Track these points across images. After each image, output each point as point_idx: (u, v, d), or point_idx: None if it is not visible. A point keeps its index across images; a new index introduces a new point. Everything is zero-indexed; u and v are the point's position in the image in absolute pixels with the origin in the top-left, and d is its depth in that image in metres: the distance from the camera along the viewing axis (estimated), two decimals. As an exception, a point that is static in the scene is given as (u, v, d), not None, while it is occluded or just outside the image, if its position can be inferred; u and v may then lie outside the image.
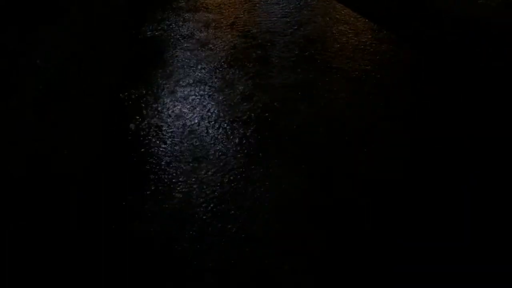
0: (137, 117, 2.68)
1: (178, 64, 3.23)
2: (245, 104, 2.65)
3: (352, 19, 3.69)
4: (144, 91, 2.92)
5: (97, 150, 2.43)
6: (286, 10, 3.93)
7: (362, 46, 3.27)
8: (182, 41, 3.52)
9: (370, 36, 3.42)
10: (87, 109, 2.70)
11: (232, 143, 2.34)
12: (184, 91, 2.92)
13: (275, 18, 3.85)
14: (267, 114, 2.51)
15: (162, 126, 2.59)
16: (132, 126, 2.47)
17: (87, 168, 2.30)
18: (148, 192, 2.13)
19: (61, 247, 1.84)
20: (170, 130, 2.54)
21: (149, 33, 3.64)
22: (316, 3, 4.04)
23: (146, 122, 2.63)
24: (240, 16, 3.86)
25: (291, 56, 3.17)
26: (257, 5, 4.10)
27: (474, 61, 2.93)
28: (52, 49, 2.35)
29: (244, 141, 2.34)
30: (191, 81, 3.02)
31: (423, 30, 3.41)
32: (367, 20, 3.60)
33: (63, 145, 2.18)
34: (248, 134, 2.41)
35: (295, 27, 3.62)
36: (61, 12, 2.52)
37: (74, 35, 2.74)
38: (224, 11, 3.93)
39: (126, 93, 2.89)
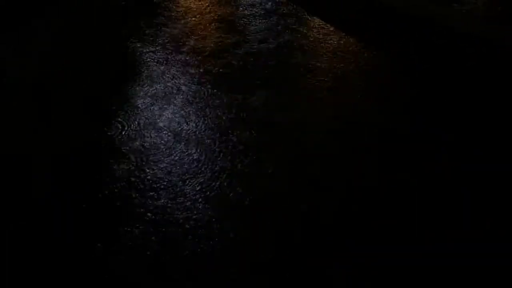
0: (120, 121, 2.61)
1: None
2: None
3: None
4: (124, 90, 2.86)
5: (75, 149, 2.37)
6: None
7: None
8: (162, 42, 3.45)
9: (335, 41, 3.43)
10: (69, 111, 2.64)
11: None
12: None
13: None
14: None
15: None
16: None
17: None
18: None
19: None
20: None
21: (133, 36, 3.56)
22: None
23: (128, 127, 2.56)
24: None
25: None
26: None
27: (435, 59, 3.00)
28: (38, 49, 2.29)
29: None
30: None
31: (384, 31, 3.45)
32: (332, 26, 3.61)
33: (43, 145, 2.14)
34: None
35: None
36: (48, 10, 2.46)
37: (58, 37, 2.68)
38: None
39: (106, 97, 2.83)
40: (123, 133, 2.49)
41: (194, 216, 1.98)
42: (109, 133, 2.49)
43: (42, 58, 2.97)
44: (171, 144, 2.41)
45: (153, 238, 1.87)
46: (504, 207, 2.01)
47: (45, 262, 1.78)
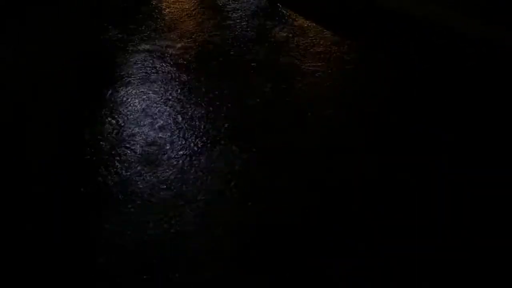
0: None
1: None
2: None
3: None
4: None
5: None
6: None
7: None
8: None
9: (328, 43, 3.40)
10: (68, 111, 2.65)
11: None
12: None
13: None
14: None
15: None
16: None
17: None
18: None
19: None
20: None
21: (132, 36, 3.57)
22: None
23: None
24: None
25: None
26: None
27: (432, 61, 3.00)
28: (38, 49, 2.29)
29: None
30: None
31: (380, 33, 3.43)
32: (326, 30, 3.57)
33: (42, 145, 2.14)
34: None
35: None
36: (48, 10, 2.47)
37: (58, 37, 2.69)
38: None
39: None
40: (124, 131, 2.49)
41: (194, 213, 1.98)
42: (108, 132, 2.49)
43: (42, 58, 2.98)
44: (168, 140, 2.42)
45: (153, 234, 1.88)
46: (504, 207, 2.01)
47: (45, 260, 1.79)
